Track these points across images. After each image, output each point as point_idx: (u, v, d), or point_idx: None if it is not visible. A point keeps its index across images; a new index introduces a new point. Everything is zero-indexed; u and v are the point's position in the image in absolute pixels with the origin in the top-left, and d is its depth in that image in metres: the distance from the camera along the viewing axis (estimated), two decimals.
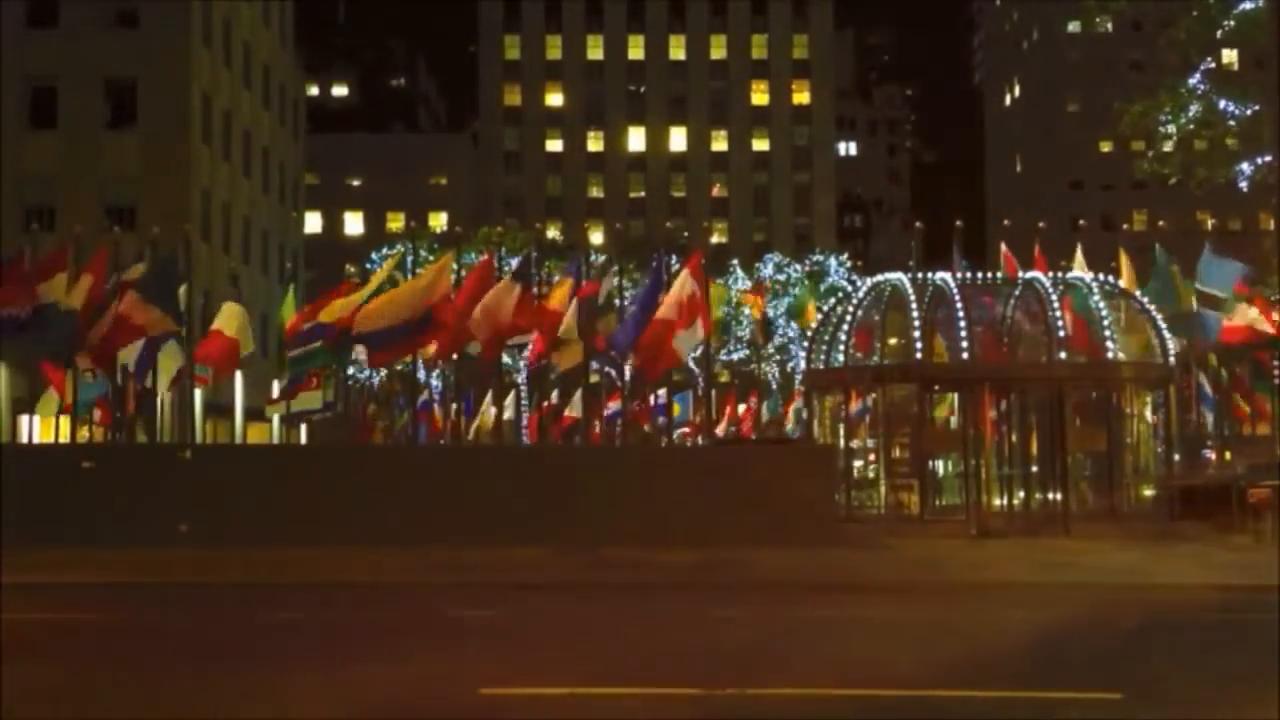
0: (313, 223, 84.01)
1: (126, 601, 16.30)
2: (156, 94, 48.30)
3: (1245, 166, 31.85)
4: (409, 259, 32.77)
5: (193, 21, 49.48)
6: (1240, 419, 36.88)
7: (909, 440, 27.53)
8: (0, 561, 17.41)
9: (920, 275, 27.86)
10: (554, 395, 44.07)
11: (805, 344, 34.59)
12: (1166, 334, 27.09)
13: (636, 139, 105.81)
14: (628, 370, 30.42)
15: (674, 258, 32.25)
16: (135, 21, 48.76)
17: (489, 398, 37.62)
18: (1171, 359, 27.21)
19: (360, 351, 26.63)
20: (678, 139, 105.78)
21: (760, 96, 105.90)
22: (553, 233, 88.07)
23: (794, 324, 57.04)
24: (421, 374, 35.04)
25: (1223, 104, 30.72)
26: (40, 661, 11.79)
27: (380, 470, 23.80)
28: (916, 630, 14.16)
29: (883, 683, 10.77)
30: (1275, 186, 33.49)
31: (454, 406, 34.66)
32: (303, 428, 41.38)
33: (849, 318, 28.09)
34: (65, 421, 25.86)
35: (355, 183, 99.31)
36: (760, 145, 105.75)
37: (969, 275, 28.34)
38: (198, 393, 26.54)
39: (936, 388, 28.38)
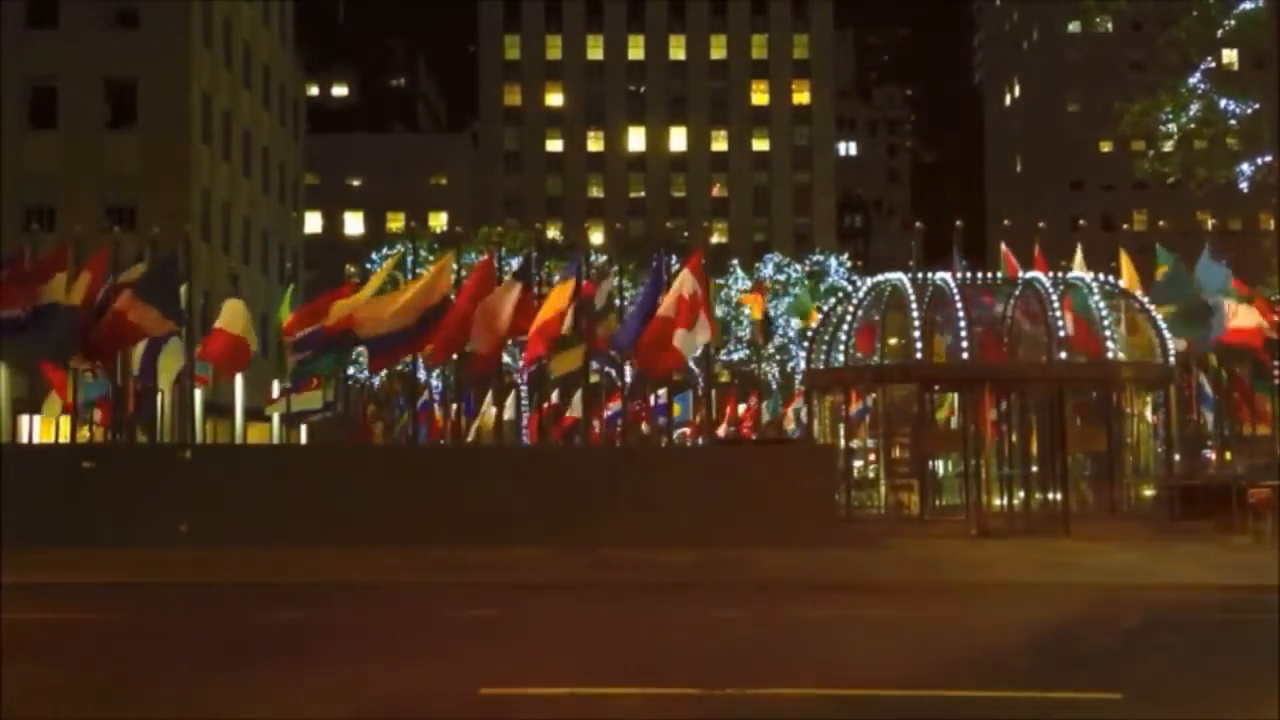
0: (313, 223, 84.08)
1: (126, 601, 16.28)
2: (156, 94, 48.35)
3: (1245, 166, 31.88)
4: (409, 259, 32.76)
5: (193, 21, 49.53)
6: (1241, 419, 36.83)
7: (909, 440, 27.54)
8: (0, 561, 17.41)
9: (920, 275, 27.84)
10: (554, 396, 44.04)
11: (805, 344, 34.58)
12: (1166, 334, 27.09)
13: (636, 139, 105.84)
14: (628, 370, 30.42)
15: (674, 258, 32.23)
16: (135, 21, 48.83)
17: (489, 398, 37.60)
18: (1171, 359, 27.20)
19: (361, 352, 26.58)
20: (678, 139, 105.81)
21: (760, 96, 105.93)
22: (553, 233, 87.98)
23: (794, 324, 57.04)
24: (421, 374, 35.02)
25: (1223, 104, 30.73)
26: (40, 661, 11.78)
27: (380, 470, 23.77)
28: (916, 630, 14.16)
29: (883, 683, 10.77)
30: (1275, 186, 33.50)
31: (454, 407, 34.66)
32: (303, 428, 41.36)
33: (849, 318, 28.08)
34: (65, 421, 25.85)
35: (355, 183, 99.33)
36: (760, 145, 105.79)
37: (969, 275, 28.32)
38: (198, 393, 26.53)
39: (936, 388, 28.39)
